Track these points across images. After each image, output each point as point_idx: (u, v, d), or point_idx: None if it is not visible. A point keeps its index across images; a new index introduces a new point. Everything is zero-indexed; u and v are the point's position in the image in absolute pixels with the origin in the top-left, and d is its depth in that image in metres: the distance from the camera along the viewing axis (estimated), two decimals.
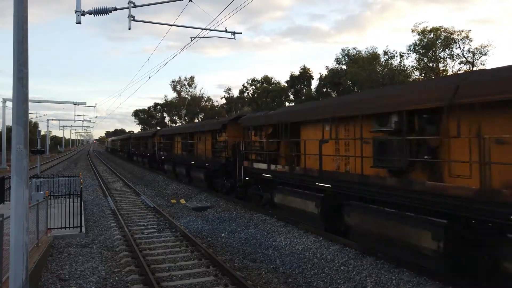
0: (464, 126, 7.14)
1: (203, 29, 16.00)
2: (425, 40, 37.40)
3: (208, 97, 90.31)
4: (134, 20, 13.55)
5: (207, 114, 75.70)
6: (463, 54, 36.77)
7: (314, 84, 58.01)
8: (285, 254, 10.65)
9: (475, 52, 36.00)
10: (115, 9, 13.32)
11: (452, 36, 36.44)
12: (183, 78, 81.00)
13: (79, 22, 12.61)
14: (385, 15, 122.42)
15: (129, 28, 13.62)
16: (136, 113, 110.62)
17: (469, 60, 36.57)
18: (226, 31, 15.92)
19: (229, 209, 17.11)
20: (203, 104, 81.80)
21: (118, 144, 77.12)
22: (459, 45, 36.62)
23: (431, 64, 38.99)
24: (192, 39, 16.81)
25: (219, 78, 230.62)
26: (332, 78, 49.05)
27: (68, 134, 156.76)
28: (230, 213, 16.22)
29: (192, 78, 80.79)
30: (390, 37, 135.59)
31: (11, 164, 5.57)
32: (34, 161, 28.37)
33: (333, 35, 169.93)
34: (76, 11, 12.52)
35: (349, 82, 45.96)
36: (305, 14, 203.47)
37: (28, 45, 5.54)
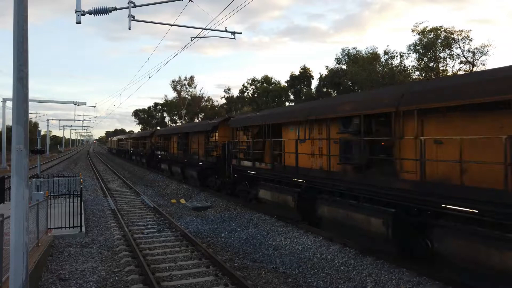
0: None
1: (203, 28, 15.99)
2: (425, 40, 37.37)
3: (208, 97, 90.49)
4: (134, 20, 13.55)
5: (207, 114, 75.69)
6: (463, 54, 36.76)
7: (314, 84, 58.07)
8: (285, 254, 10.65)
9: (475, 52, 35.99)
10: (115, 9, 13.32)
11: (452, 36, 36.42)
12: (183, 78, 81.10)
13: (79, 22, 12.61)
14: (384, 14, 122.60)
15: (129, 28, 13.62)
16: (136, 113, 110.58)
17: (469, 60, 36.55)
18: (226, 30, 15.92)
19: (229, 209, 17.11)
20: (203, 104, 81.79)
21: (129, 145, 57.56)
22: (459, 45, 36.60)
23: (431, 64, 38.96)
24: (192, 39, 16.81)
25: (218, 78, 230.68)
26: (332, 78, 49.01)
27: (68, 134, 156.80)
28: (230, 213, 16.21)
29: (192, 78, 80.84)
30: (390, 36, 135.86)
31: (11, 164, 5.57)
32: (34, 161, 28.35)
33: (332, 34, 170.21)
34: (76, 11, 12.51)
35: (349, 82, 45.94)
36: (303, 13, 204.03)
37: (28, 45, 5.54)
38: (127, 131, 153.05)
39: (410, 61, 55.46)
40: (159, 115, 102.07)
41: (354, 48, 50.89)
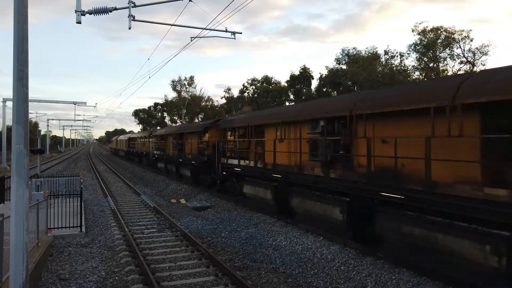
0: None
1: (203, 28, 16.01)
2: (426, 40, 37.38)
3: (208, 97, 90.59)
4: (134, 20, 13.56)
5: (207, 114, 75.73)
6: (463, 54, 36.77)
7: (314, 84, 58.13)
8: (285, 254, 10.65)
9: (476, 52, 35.99)
10: (115, 9, 13.33)
11: (452, 36, 36.43)
12: (183, 78, 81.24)
13: (79, 22, 12.63)
14: (383, 14, 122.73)
15: (129, 28, 13.63)
16: (136, 113, 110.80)
17: (469, 60, 36.56)
18: (226, 30, 15.93)
19: (229, 209, 17.11)
20: (203, 104, 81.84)
21: (149, 146, 40.51)
22: (459, 45, 36.62)
23: (431, 64, 38.97)
24: (193, 38, 16.82)
25: (218, 78, 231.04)
26: (332, 78, 49.06)
27: (68, 134, 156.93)
28: (230, 213, 16.22)
29: (192, 78, 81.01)
30: (389, 36, 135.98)
31: (11, 164, 5.57)
32: (34, 161, 28.37)
33: (331, 34, 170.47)
34: (76, 11, 12.53)
35: (349, 82, 45.97)
36: (303, 13, 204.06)
37: (28, 45, 5.54)
38: (127, 131, 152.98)
39: (410, 61, 55.57)
40: (159, 115, 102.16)
41: (354, 48, 50.93)
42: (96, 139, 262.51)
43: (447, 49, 37.21)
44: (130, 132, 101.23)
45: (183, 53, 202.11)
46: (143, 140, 46.19)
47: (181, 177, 27.42)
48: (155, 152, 36.77)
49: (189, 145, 25.47)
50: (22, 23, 5.48)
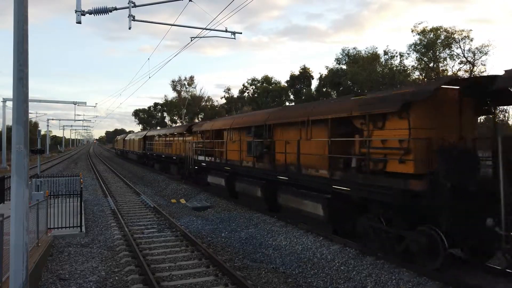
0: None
1: (203, 28, 16.01)
2: (425, 40, 37.40)
3: (208, 97, 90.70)
4: (134, 20, 13.56)
5: (207, 114, 75.78)
6: (463, 54, 36.79)
7: (314, 84, 58.17)
8: (285, 254, 10.66)
9: (476, 52, 36.00)
10: (115, 9, 13.33)
11: (452, 36, 36.45)
12: (182, 78, 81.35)
13: (79, 22, 12.63)
14: (382, 14, 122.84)
15: (129, 28, 13.63)
16: (136, 113, 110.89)
17: (469, 60, 36.57)
18: (226, 30, 15.93)
19: (229, 209, 17.12)
20: (203, 104, 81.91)
21: (188, 148, 25.66)
22: (459, 45, 36.64)
23: (431, 64, 38.98)
24: (193, 38, 16.83)
25: (218, 77, 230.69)
26: (332, 78, 49.09)
27: (68, 134, 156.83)
28: (230, 213, 16.23)
29: (192, 78, 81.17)
30: (389, 36, 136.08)
31: (11, 164, 5.57)
32: (34, 161, 28.38)
33: (330, 34, 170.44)
34: (76, 11, 12.53)
35: (349, 82, 45.98)
36: (302, 13, 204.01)
37: (28, 45, 5.54)
38: (127, 130, 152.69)
39: (410, 61, 55.62)
40: (159, 115, 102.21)
41: (354, 48, 50.92)
42: (96, 139, 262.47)
43: (447, 49, 37.24)
44: (131, 132, 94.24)
45: (183, 53, 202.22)
46: (170, 138, 32.67)
47: (279, 209, 14.75)
48: (201, 158, 22.83)
49: (319, 147, 12.12)
50: (22, 23, 5.48)
